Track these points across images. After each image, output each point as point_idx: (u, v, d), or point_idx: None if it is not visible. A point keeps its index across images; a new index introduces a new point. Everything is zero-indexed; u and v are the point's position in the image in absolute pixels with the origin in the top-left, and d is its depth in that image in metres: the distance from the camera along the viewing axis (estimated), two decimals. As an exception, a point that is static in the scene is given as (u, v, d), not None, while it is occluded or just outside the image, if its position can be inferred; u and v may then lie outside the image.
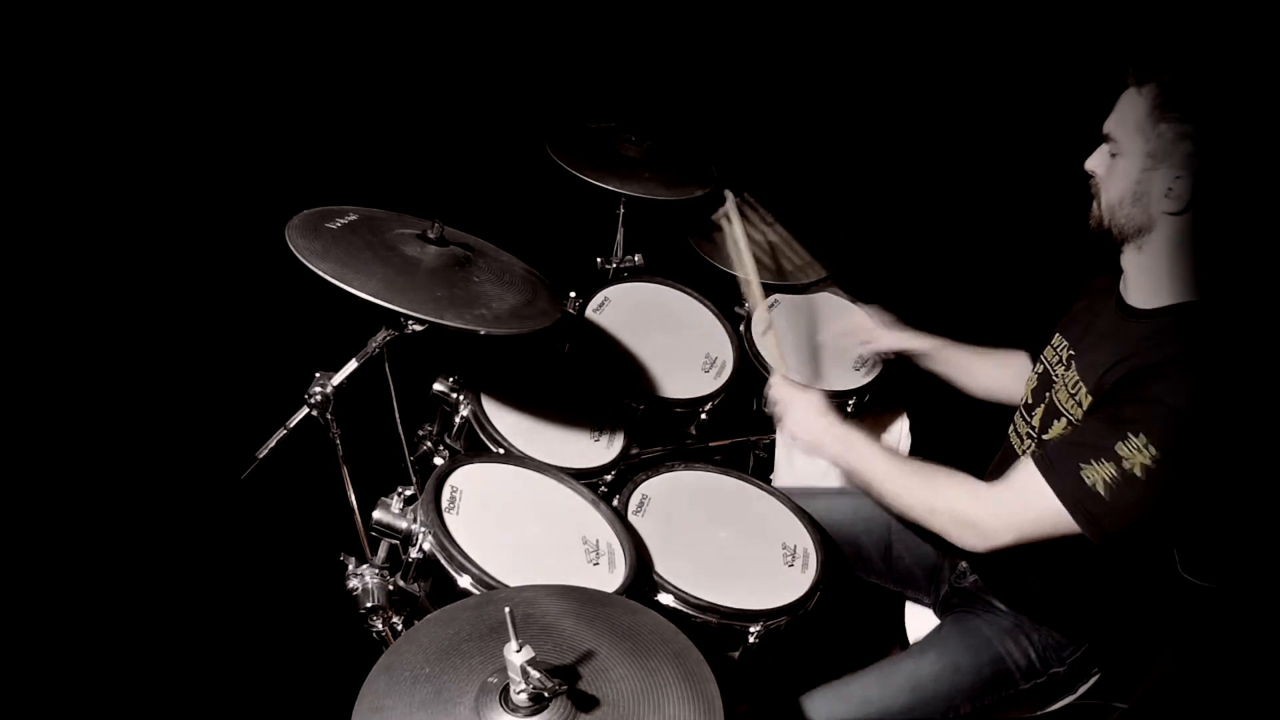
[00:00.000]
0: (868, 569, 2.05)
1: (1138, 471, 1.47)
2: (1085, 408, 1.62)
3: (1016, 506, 1.59)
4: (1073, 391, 1.66)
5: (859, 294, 2.52)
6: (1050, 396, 1.73)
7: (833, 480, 2.51)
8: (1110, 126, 1.61)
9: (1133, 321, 1.63)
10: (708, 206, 2.55)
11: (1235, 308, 1.59)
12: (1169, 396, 1.48)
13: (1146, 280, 1.62)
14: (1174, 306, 1.59)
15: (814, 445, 1.82)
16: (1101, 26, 3.21)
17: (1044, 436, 1.72)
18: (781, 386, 1.90)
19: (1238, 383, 1.51)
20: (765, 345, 2.27)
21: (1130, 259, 1.63)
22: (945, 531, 1.64)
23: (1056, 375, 1.74)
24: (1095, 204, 1.65)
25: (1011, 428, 1.86)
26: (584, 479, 1.87)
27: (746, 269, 2.17)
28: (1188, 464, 1.48)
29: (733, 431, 2.56)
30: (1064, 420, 1.67)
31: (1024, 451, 1.77)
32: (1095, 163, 1.64)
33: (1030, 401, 1.81)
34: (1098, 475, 1.50)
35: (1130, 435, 1.48)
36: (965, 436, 2.16)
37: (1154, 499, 1.49)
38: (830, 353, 2.36)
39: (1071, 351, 1.73)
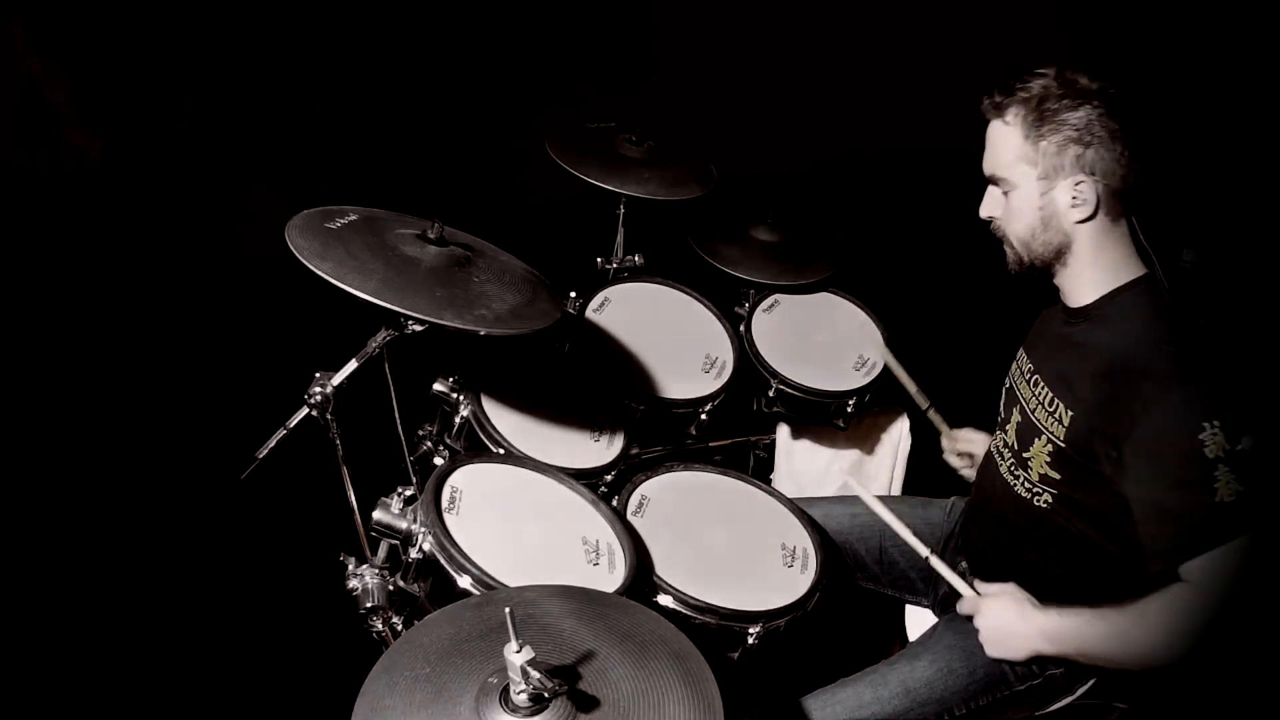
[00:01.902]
0: (864, 575, 2.05)
1: (1228, 445, 1.42)
2: (1067, 425, 1.60)
3: (1208, 596, 1.45)
4: (1050, 409, 1.65)
5: (859, 294, 2.52)
6: (1022, 414, 1.73)
7: (829, 487, 2.52)
8: (991, 167, 1.62)
9: (1080, 323, 1.65)
10: (708, 207, 2.55)
11: (1164, 272, 1.61)
12: (1169, 377, 1.47)
13: (1080, 284, 1.64)
14: (1112, 293, 1.60)
15: (1023, 653, 1.66)
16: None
17: (1024, 454, 1.69)
18: (970, 604, 1.72)
19: (1202, 335, 1.52)
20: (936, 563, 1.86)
21: (1061, 276, 1.66)
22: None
23: (1023, 393, 1.74)
24: (1007, 247, 1.67)
25: (993, 442, 1.86)
26: (584, 479, 1.86)
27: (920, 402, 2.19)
28: (1236, 413, 1.45)
29: (733, 432, 2.56)
30: (1044, 437, 1.65)
31: (1007, 469, 1.75)
32: (989, 208, 1.66)
33: (1003, 416, 1.82)
34: (1226, 484, 1.41)
35: (1198, 438, 1.43)
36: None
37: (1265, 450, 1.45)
38: (830, 353, 2.36)
39: (1032, 366, 1.74)
